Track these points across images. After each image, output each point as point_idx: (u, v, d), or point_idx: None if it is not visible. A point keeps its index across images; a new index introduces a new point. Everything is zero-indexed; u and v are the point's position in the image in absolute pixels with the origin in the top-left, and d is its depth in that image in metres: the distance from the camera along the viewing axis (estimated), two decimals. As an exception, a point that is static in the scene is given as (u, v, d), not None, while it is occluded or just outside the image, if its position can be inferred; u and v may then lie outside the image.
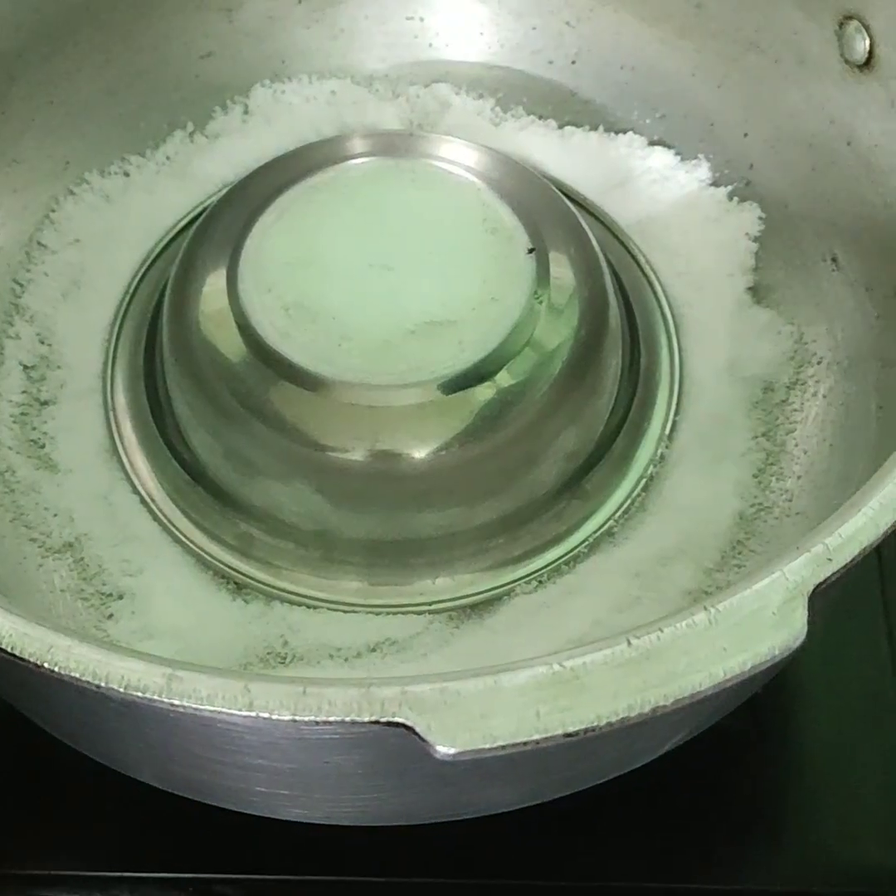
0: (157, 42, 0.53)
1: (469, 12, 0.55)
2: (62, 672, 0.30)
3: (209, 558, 0.46)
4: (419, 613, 0.45)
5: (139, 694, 0.29)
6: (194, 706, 0.29)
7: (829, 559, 0.32)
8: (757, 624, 0.31)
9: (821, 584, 0.31)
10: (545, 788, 0.39)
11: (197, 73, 0.54)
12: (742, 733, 0.47)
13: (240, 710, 0.29)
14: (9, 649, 0.30)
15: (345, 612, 0.45)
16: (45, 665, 0.30)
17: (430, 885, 0.45)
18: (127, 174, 0.53)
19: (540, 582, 0.46)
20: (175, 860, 0.46)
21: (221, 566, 0.46)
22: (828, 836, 0.47)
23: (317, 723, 0.29)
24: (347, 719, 0.29)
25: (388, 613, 0.45)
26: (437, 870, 0.45)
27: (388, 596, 0.45)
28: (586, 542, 0.46)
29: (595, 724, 0.29)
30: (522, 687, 0.30)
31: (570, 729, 0.29)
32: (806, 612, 0.31)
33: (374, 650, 0.44)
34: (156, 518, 0.47)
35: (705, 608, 0.31)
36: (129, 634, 0.44)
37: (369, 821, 0.39)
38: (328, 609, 0.45)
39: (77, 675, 0.30)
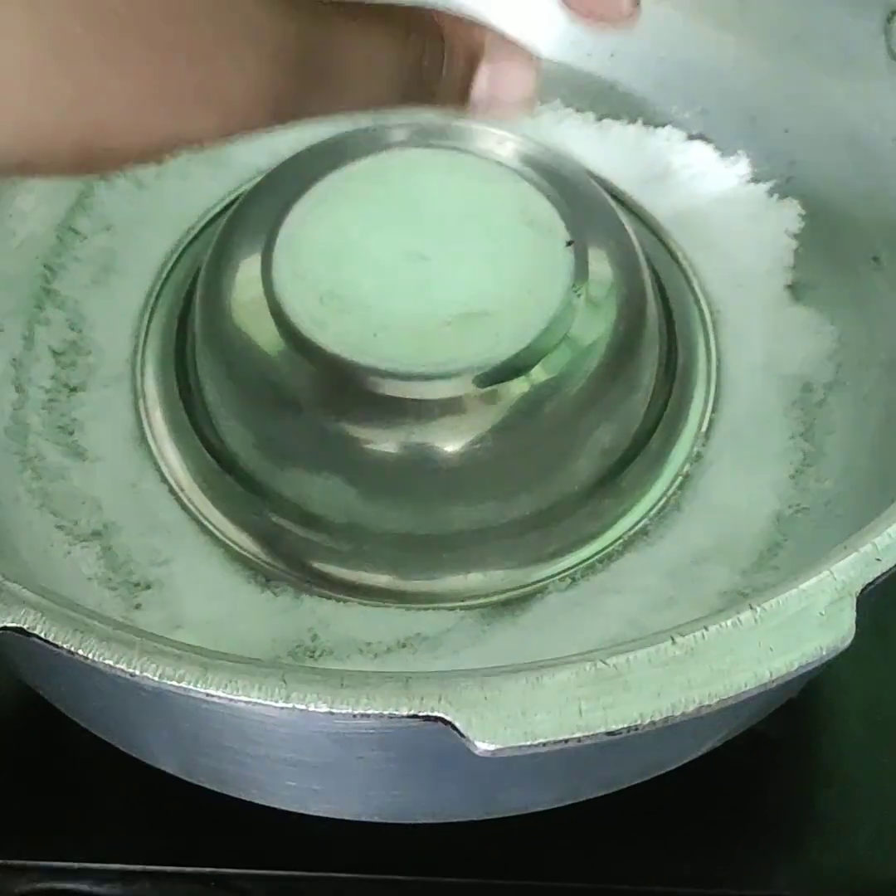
0: (193, 27, 0.53)
1: (507, 3, 0.54)
2: (96, 660, 0.29)
3: (238, 549, 0.45)
4: (451, 609, 0.44)
5: (174, 683, 0.29)
6: (230, 697, 0.29)
7: (878, 559, 0.31)
8: (804, 623, 0.30)
9: (869, 584, 0.31)
10: (581, 789, 0.39)
11: (232, 58, 0.53)
12: (772, 738, 0.47)
13: (276, 701, 0.29)
14: (43, 635, 0.30)
15: (375, 606, 0.44)
16: (80, 652, 0.29)
17: (454, 884, 0.45)
18: (160, 160, 0.52)
19: (573, 579, 0.45)
20: (195, 854, 0.45)
21: (250, 557, 0.45)
22: (857, 844, 0.47)
23: (354, 716, 0.29)
24: (385, 713, 0.29)
25: (418, 609, 0.44)
26: (461, 869, 0.45)
27: (420, 591, 0.45)
28: (620, 540, 0.46)
29: (638, 722, 0.29)
30: (564, 684, 0.29)
31: (613, 727, 0.29)
32: (854, 613, 0.30)
33: (404, 646, 0.43)
34: (184, 507, 0.46)
35: (751, 607, 0.30)
36: (156, 625, 0.43)
37: (400, 818, 0.39)
38: (358, 603, 0.44)
39: (111, 663, 0.29)
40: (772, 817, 0.47)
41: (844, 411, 0.48)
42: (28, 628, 0.30)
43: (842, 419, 0.47)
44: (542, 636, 0.44)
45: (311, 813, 0.38)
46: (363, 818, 0.38)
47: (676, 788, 0.41)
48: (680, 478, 0.47)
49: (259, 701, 0.29)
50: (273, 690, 0.29)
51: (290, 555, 0.45)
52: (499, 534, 0.45)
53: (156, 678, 0.29)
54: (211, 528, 0.46)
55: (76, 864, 0.45)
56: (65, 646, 0.30)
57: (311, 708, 0.29)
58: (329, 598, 0.44)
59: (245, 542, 0.45)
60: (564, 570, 0.45)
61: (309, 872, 0.45)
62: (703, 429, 0.48)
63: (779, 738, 0.47)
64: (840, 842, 0.47)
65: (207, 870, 0.45)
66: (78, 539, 0.45)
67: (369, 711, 0.29)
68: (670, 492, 0.47)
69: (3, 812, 0.46)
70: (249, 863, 0.45)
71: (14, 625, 0.30)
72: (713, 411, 0.48)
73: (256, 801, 0.39)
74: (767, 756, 0.47)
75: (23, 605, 0.30)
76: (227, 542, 0.45)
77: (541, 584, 0.45)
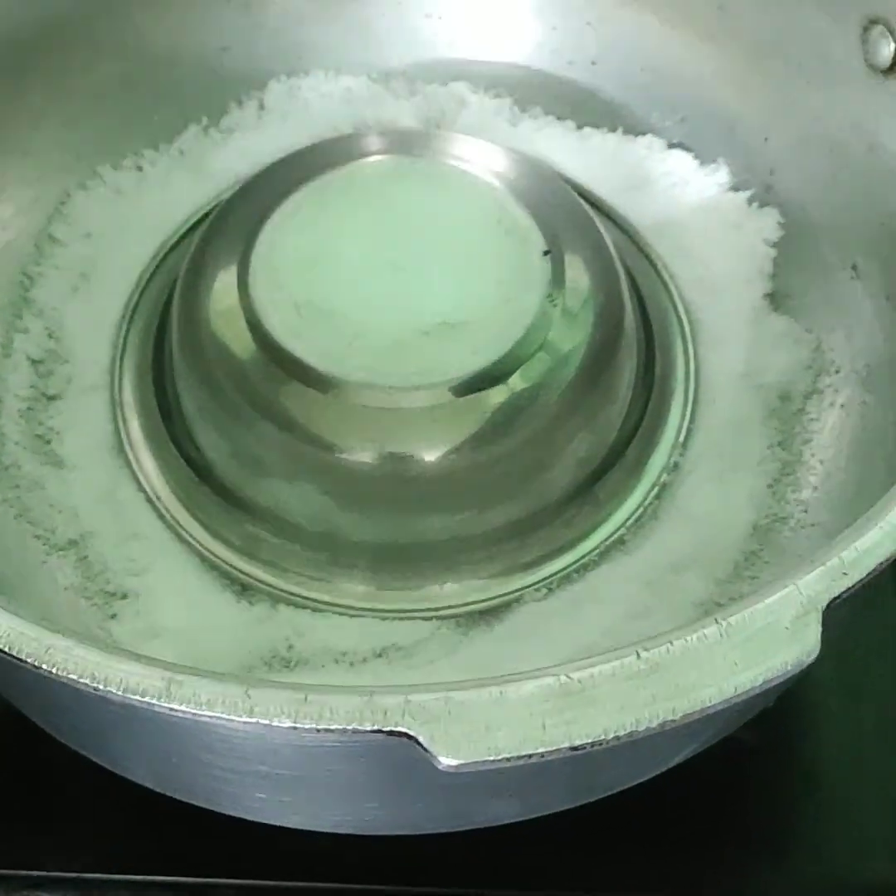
0: (173, 35, 0.53)
1: (488, 11, 0.54)
2: (60, 673, 0.29)
3: (214, 559, 0.45)
4: (427, 619, 0.44)
5: (138, 698, 0.29)
6: (193, 711, 0.29)
7: (845, 573, 0.31)
8: (769, 638, 0.30)
9: (835, 598, 0.31)
10: (550, 801, 0.39)
11: (212, 67, 0.53)
12: (752, 747, 0.47)
13: (240, 715, 0.29)
14: (7, 649, 0.30)
15: (351, 616, 0.44)
16: (44, 666, 0.29)
17: (431, 894, 0.45)
18: (140, 168, 0.52)
19: (550, 589, 0.45)
20: (173, 864, 0.45)
21: (227, 567, 0.45)
22: (838, 851, 0.47)
23: (318, 730, 0.29)
24: (349, 727, 0.29)
25: (395, 618, 0.44)
26: (436, 879, 0.45)
27: (396, 600, 0.45)
28: (597, 550, 0.46)
29: (602, 737, 0.29)
30: (528, 698, 0.29)
31: (576, 742, 0.29)
32: (819, 628, 0.30)
33: (380, 655, 0.43)
34: (161, 517, 0.46)
35: (717, 621, 0.30)
36: (132, 635, 0.43)
37: (371, 830, 0.39)
38: (334, 613, 0.44)
39: (75, 677, 0.29)
40: (752, 825, 0.47)
41: (822, 421, 0.48)
42: (-8, 642, 0.30)
43: (819, 429, 0.47)
44: (519, 646, 0.44)
45: (282, 825, 0.38)
46: (333, 830, 0.38)
47: (656, 797, 0.41)
48: (657, 487, 0.47)
49: (222, 716, 0.29)
50: (236, 704, 0.29)
51: (267, 564, 0.45)
52: (475, 543, 0.45)
53: (120, 692, 0.29)
54: (187, 537, 0.46)
55: (54, 874, 0.45)
56: (29, 660, 0.29)
57: (275, 723, 0.29)
58: (305, 607, 0.44)
59: (221, 551, 0.46)
60: (541, 580, 0.45)
61: (286, 882, 0.45)
62: (681, 438, 0.48)
63: (758, 745, 0.47)
64: (821, 848, 0.47)
65: (185, 879, 0.45)
66: (54, 548, 0.45)
67: (332, 726, 0.29)
68: (647, 501, 0.47)
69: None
70: (227, 873, 0.45)
71: (-22, 639, 0.30)
72: (691, 421, 0.48)
73: (228, 813, 0.39)
74: (747, 764, 0.47)
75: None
76: (204, 551, 0.46)
77: (517, 593, 0.45)
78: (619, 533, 0.46)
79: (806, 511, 0.46)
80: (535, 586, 0.45)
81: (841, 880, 0.46)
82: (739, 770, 0.47)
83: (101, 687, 0.29)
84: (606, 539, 0.46)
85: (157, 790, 0.39)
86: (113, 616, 0.44)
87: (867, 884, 0.46)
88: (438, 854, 0.44)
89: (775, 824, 0.47)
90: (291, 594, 0.45)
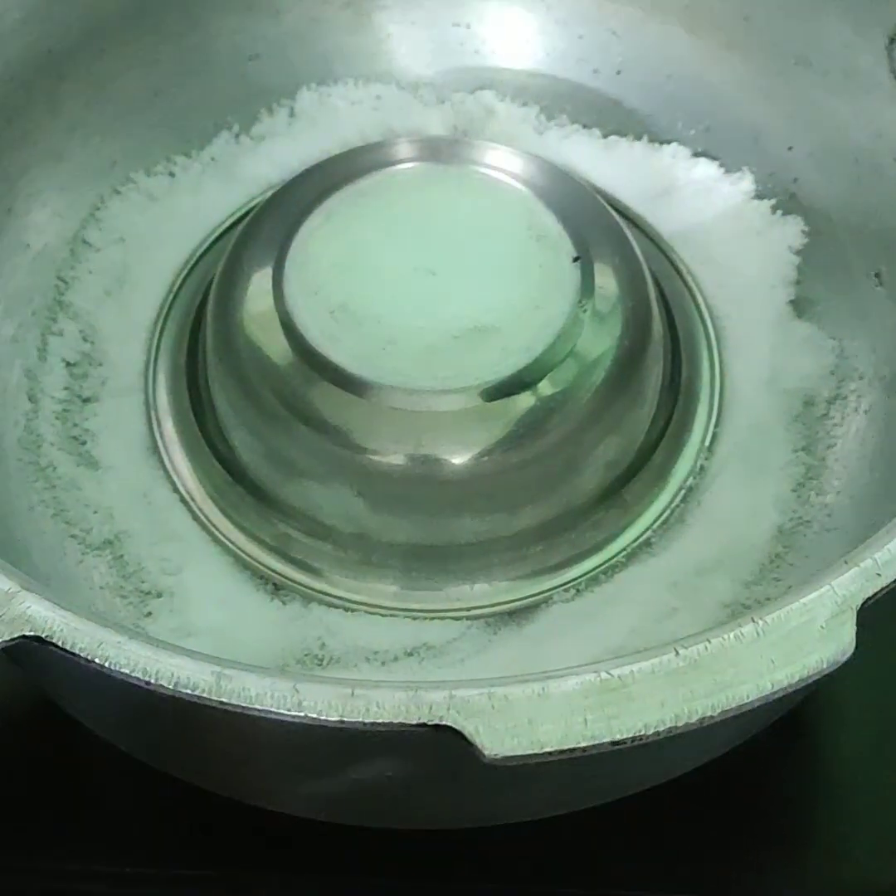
0: (205, 43, 0.53)
1: (516, 20, 0.55)
2: (112, 667, 0.30)
3: (248, 558, 0.46)
4: (457, 619, 0.45)
5: (188, 691, 0.29)
6: (243, 705, 0.29)
7: (878, 574, 0.32)
8: (805, 637, 0.31)
9: (869, 598, 0.31)
10: (583, 797, 0.39)
11: (244, 74, 0.54)
12: (771, 747, 0.47)
13: (288, 710, 0.29)
14: (60, 644, 0.30)
15: (382, 615, 0.45)
16: (96, 660, 0.30)
17: (459, 889, 0.45)
18: (172, 174, 0.53)
19: (578, 590, 0.46)
20: (207, 858, 0.46)
21: (260, 566, 0.46)
22: (856, 852, 0.47)
23: (364, 724, 0.29)
24: (395, 722, 0.29)
25: (425, 618, 0.45)
26: (467, 874, 0.45)
27: (426, 600, 0.45)
28: (624, 552, 0.46)
29: (642, 732, 0.29)
30: (570, 694, 0.30)
31: (618, 737, 0.29)
32: (854, 627, 0.31)
33: (410, 654, 0.44)
34: (195, 517, 0.47)
35: (753, 620, 0.31)
36: (167, 633, 0.43)
37: (407, 824, 0.39)
38: (366, 612, 0.45)
39: (127, 671, 0.30)
40: (770, 826, 0.47)
41: (846, 426, 0.48)
42: (45, 637, 0.30)
43: (843, 433, 0.48)
44: (547, 646, 0.44)
45: (319, 819, 0.39)
46: (370, 824, 0.39)
47: (676, 797, 0.41)
48: (683, 491, 0.47)
49: (271, 709, 0.29)
50: (285, 699, 0.29)
51: (299, 564, 0.46)
52: (505, 545, 0.45)
53: (171, 686, 0.30)
54: (221, 537, 0.46)
55: (90, 868, 0.46)
56: (82, 654, 0.30)
57: (323, 717, 0.29)
58: (337, 606, 0.45)
59: (255, 551, 0.46)
60: (569, 581, 0.46)
61: (316, 875, 0.45)
62: (707, 442, 0.48)
63: (778, 747, 0.47)
64: (838, 851, 0.47)
65: (216, 872, 0.46)
66: (90, 548, 0.46)
67: (379, 720, 0.29)
68: (674, 504, 0.47)
69: (14, 814, 0.47)
70: (261, 866, 0.45)
71: (32, 634, 0.30)
72: (716, 425, 0.48)
73: (265, 806, 0.39)
74: (766, 765, 0.47)
75: (40, 614, 0.31)
76: (237, 551, 0.46)
77: (546, 594, 0.45)
78: (646, 535, 0.46)
79: (830, 515, 0.46)
80: (564, 587, 0.46)
81: (861, 881, 0.47)
82: (759, 770, 0.47)
83: (152, 680, 0.30)
84: (633, 541, 0.46)
85: (197, 784, 0.40)
86: (148, 614, 0.45)
87: (887, 885, 0.47)
88: (466, 850, 0.44)
89: (795, 825, 0.48)
90: (324, 594, 0.45)
